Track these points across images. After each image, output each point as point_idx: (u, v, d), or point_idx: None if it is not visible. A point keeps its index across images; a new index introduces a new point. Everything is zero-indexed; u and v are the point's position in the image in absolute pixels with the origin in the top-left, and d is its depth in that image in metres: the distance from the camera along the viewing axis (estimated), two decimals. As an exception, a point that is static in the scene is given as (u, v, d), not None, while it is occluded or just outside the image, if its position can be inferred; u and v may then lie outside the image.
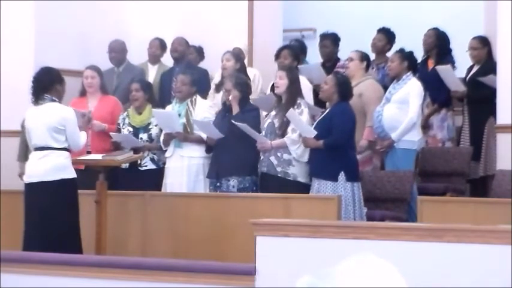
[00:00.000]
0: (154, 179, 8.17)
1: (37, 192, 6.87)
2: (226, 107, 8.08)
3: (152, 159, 8.29)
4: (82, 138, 7.16)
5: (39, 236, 6.78)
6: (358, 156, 7.88)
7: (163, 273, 5.72)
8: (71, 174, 6.94)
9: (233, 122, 7.67)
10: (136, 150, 8.11)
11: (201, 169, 8.07)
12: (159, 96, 9.25)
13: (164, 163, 8.30)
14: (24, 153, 8.71)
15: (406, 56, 8.09)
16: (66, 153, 6.96)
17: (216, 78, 9.06)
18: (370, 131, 8.09)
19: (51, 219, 6.78)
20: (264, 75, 9.10)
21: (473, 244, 4.89)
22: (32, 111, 7.07)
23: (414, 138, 7.86)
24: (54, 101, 6.98)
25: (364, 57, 8.51)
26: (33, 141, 7.01)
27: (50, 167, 6.86)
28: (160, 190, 8.03)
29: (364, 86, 8.25)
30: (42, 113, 6.94)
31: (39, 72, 7.23)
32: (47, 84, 7.02)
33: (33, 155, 7.03)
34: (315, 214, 6.72)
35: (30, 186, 6.96)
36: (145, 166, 8.23)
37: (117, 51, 9.47)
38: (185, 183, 8.01)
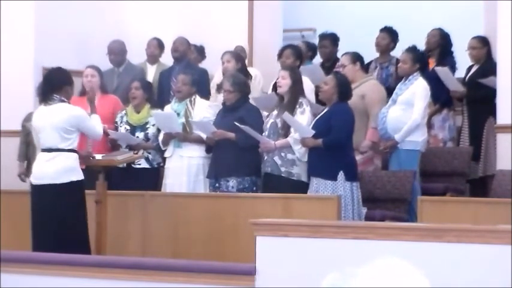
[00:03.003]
0: (148, 178, 8.18)
1: (46, 194, 6.78)
2: (225, 107, 8.06)
3: (147, 159, 8.28)
4: (98, 124, 7.10)
5: (49, 238, 6.72)
6: (360, 157, 7.86)
7: (163, 273, 5.72)
8: (80, 176, 6.88)
9: (236, 124, 7.65)
10: (131, 148, 8.11)
11: (200, 169, 8.06)
12: (158, 95, 9.24)
13: (158, 163, 8.31)
14: (24, 153, 8.70)
15: (419, 57, 7.96)
16: (75, 154, 6.89)
17: (216, 78, 9.04)
18: (373, 132, 8.01)
19: (61, 221, 6.71)
20: (264, 75, 9.10)
21: (473, 244, 4.89)
22: (41, 111, 6.97)
23: (418, 139, 7.81)
24: (63, 101, 6.89)
25: (355, 57, 8.29)
26: (41, 141, 6.94)
27: (59, 169, 6.78)
28: (155, 189, 8.02)
29: (366, 87, 8.16)
30: (51, 113, 6.84)
31: (51, 72, 7.15)
32: (57, 84, 6.92)
33: (41, 156, 6.93)
34: (315, 214, 6.71)
35: (38, 188, 6.86)
36: (139, 164, 8.20)
37: (116, 53, 9.46)
38: (185, 183, 8.00)
